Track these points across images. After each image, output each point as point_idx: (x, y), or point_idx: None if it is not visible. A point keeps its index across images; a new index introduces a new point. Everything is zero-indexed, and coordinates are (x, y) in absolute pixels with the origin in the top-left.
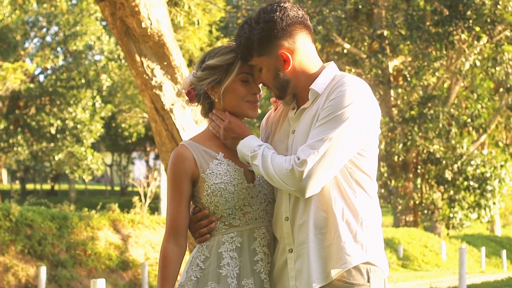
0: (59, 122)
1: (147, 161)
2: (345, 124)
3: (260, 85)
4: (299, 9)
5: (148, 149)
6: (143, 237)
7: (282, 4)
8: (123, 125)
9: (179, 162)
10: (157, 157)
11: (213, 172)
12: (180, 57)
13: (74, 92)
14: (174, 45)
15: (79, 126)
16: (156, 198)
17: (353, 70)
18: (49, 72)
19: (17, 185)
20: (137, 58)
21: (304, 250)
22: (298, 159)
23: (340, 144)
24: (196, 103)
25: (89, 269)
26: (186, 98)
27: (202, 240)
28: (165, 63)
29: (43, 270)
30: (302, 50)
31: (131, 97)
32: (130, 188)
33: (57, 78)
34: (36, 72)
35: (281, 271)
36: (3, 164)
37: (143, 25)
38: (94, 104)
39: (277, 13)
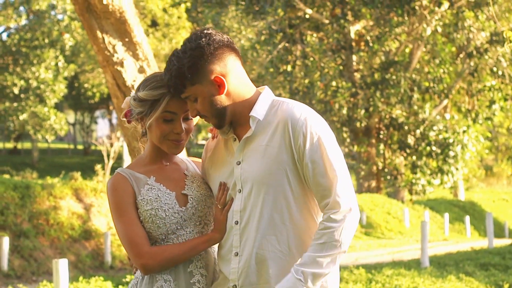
0: (22, 82)
1: (110, 120)
2: (327, 151)
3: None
4: (223, 34)
5: (111, 108)
6: (106, 206)
7: (205, 31)
8: (86, 85)
9: (119, 187)
10: None
11: (144, 199)
12: (142, 33)
13: (38, 52)
14: (136, 21)
15: (42, 86)
16: (119, 158)
17: (315, 35)
18: (12, 31)
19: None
20: (99, 34)
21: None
22: (338, 206)
23: (343, 166)
24: (133, 124)
25: (52, 239)
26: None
27: (135, 271)
28: (127, 39)
29: (6, 240)
30: (234, 72)
31: (94, 57)
32: (93, 147)
33: (21, 37)
34: None
35: None
36: None
37: (105, 2)
38: (57, 64)
39: (203, 39)
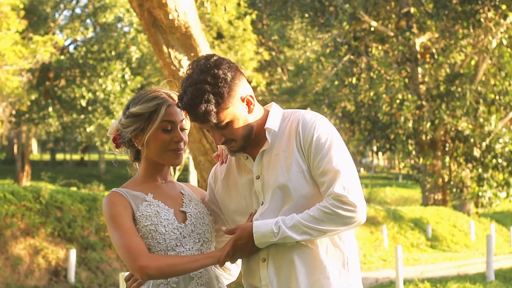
0: (89, 94)
1: None
2: (335, 148)
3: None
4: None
5: None
6: None
7: (214, 58)
8: None
9: (116, 201)
10: None
11: (143, 215)
12: (207, 47)
13: (104, 64)
14: (201, 36)
15: (110, 98)
16: (185, 170)
17: (380, 47)
18: (79, 44)
19: (47, 155)
20: (165, 49)
21: None
22: (338, 195)
23: (349, 162)
24: (124, 149)
25: None
26: (113, 144)
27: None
28: (192, 54)
29: (73, 252)
30: (250, 93)
31: (160, 69)
32: None
33: (87, 50)
34: (66, 44)
35: None
36: (33, 135)
37: (170, 17)
38: (123, 76)
39: (222, 66)
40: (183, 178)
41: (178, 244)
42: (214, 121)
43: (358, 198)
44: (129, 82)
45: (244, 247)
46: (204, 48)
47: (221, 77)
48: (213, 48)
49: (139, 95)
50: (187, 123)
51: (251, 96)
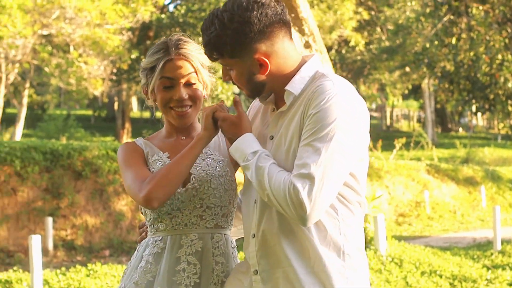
0: None
1: None
2: (333, 143)
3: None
4: (277, 3)
5: None
6: None
7: (259, 1)
8: None
9: (130, 146)
10: None
11: (149, 168)
12: (308, 9)
13: None
14: None
15: None
16: None
17: (480, 7)
18: (178, 3)
19: (147, 113)
20: None
21: (277, 275)
22: (294, 187)
23: (334, 165)
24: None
25: None
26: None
27: (138, 241)
28: (293, 15)
29: None
30: (281, 52)
31: None
32: None
33: (188, 9)
34: (166, 2)
35: None
36: (133, 93)
37: None
38: None
39: (254, 12)
40: None
41: (175, 209)
42: (212, 59)
43: (315, 208)
44: None
45: (229, 127)
46: (304, 9)
47: (240, 27)
48: (312, 8)
49: (153, 46)
50: (200, 75)
51: (267, 57)
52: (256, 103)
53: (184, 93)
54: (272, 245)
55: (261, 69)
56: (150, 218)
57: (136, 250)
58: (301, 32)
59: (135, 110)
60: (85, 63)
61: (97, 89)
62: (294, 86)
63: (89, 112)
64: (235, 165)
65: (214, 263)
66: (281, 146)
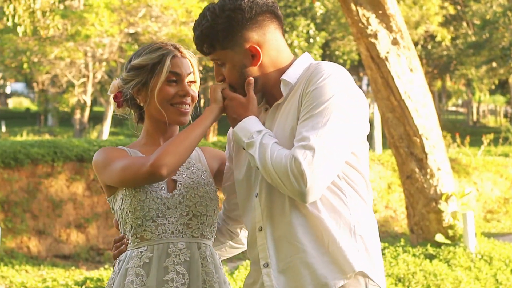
0: None
1: (360, 87)
2: (332, 117)
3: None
4: None
5: (361, 74)
6: None
7: None
8: (337, 52)
9: (112, 148)
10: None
11: None
12: (395, 5)
13: (290, 19)
14: None
15: (297, 53)
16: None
17: None
18: None
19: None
20: (353, 7)
21: (293, 263)
22: (295, 159)
23: (334, 137)
24: (126, 109)
25: None
26: (115, 103)
27: (115, 255)
28: (380, 11)
29: None
30: (273, 43)
31: (345, 25)
32: None
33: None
34: None
35: None
36: None
37: None
38: (308, 32)
39: (245, 0)
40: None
41: (160, 215)
42: (204, 53)
43: (316, 180)
44: (319, 38)
45: (235, 107)
46: (392, 5)
47: (231, 14)
48: (398, 3)
49: (142, 47)
50: (196, 76)
51: (259, 46)
52: None
53: (188, 89)
54: (283, 234)
55: (253, 60)
56: (132, 227)
57: (115, 265)
58: (389, 29)
59: None
60: None
61: None
62: (290, 76)
63: None
64: (215, 179)
65: (204, 273)
66: (281, 134)
